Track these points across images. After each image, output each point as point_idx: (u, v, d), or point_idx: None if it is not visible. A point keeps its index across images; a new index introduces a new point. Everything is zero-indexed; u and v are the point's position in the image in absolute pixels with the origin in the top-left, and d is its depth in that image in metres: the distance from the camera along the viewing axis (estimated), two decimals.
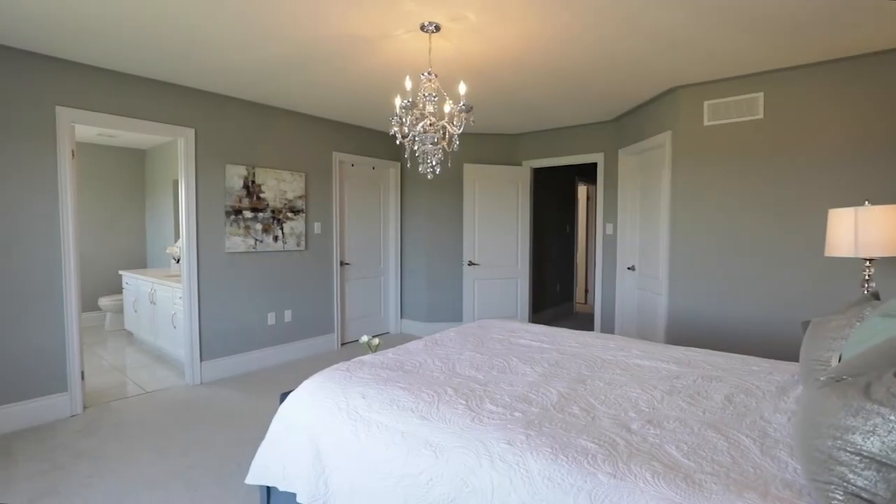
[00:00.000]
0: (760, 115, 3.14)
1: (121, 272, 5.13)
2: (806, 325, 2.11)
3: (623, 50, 2.76)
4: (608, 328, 4.70)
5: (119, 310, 5.41)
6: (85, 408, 3.14)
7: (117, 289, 5.92)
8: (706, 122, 3.35)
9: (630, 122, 4.24)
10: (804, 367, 1.65)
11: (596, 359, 2.18)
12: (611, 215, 4.62)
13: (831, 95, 2.92)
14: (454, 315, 5.20)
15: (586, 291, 7.35)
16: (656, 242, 3.90)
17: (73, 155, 3.00)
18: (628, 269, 4.36)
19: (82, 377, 3.09)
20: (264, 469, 1.79)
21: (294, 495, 1.76)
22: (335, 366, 2.05)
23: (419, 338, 3.56)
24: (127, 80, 3.22)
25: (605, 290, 4.71)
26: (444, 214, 5.13)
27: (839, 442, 0.94)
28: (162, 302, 4.25)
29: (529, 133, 5.15)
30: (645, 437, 1.37)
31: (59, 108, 2.92)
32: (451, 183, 5.11)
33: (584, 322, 6.10)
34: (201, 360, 3.70)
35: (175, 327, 4.02)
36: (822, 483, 0.96)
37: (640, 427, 1.44)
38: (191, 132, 3.56)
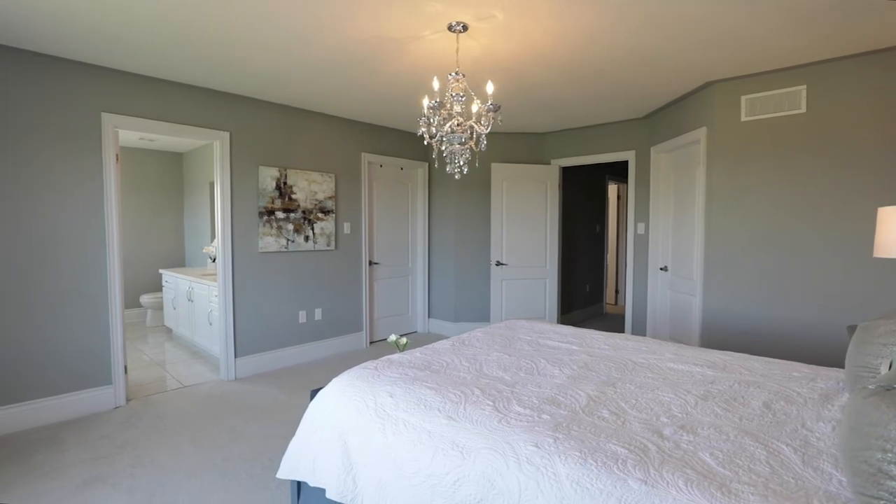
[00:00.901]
0: (803, 110, 3.01)
1: (160, 271, 5.34)
2: (852, 329, 2.00)
3: (653, 45, 2.69)
4: (639, 330, 4.59)
5: (159, 307, 5.65)
6: (127, 400, 3.29)
7: (157, 287, 6.18)
8: (744, 118, 3.22)
9: (663, 119, 4.12)
10: (850, 374, 1.57)
11: (626, 361, 2.13)
12: (642, 214, 4.52)
13: (880, 87, 2.76)
14: (482, 315, 5.19)
15: (616, 292, 7.20)
16: (690, 242, 3.78)
17: (116, 159, 3.15)
18: (661, 269, 4.25)
19: (125, 371, 3.24)
20: (295, 464, 1.83)
21: (324, 490, 1.80)
22: (364, 364, 2.07)
23: (447, 337, 3.57)
24: (167, 87, 3.35)
25: (637, 291, 4.60)
26: (472, 214, 5.12)
27: (889, 455, 0.89)
28: (199, 300, 4.41)
29: (558, 131, 5.08)
30: (678, 443, 1.33)
31: (104, 115, 3.07)
32: (478, 182, 5.10)
33: (614, 324, 5.98)
34: (236, 356, 3.82)
35: (211, 324, 4.16)
36: (869, 498, 0.91)
37: (672, 433, 1.40)
38: (226, 135, 3.68)
